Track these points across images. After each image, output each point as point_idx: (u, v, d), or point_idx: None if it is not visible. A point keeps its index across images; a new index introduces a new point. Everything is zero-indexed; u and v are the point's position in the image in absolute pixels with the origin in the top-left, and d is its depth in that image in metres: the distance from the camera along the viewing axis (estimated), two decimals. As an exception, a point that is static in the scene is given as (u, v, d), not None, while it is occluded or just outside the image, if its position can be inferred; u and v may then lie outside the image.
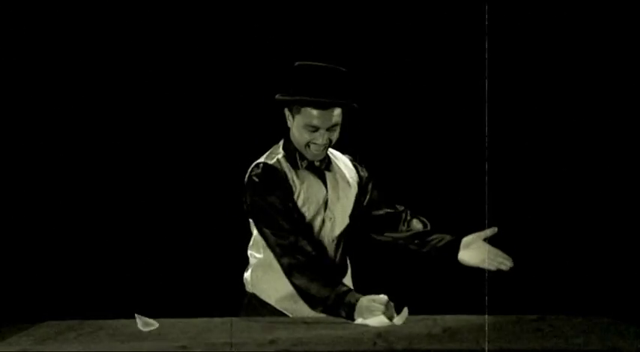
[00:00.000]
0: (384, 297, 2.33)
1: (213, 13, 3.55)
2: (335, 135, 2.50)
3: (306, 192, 2.52)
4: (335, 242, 2.58)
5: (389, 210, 2.69)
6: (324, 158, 2.59)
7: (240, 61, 3.53)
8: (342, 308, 2.32)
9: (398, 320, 2.27)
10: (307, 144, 2.49)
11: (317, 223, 2.54)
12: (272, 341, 1.97)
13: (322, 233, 2.55)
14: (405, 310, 2.30)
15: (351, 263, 2.67)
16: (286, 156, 2.55)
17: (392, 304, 2.33)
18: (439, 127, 3.66)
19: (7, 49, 3.48)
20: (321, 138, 2.47)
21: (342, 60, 2.57)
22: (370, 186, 2.69)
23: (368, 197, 2.68)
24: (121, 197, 3.59)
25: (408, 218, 2.67)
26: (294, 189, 2.50)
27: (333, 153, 2.67)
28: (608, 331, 2.12)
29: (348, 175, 2.64)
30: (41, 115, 3.54)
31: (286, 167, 2.53)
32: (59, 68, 3.53)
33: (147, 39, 3.54)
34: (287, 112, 2.53)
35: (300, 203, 2.51)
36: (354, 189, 2.64)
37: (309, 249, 2.41)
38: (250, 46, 3.55)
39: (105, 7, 3.51)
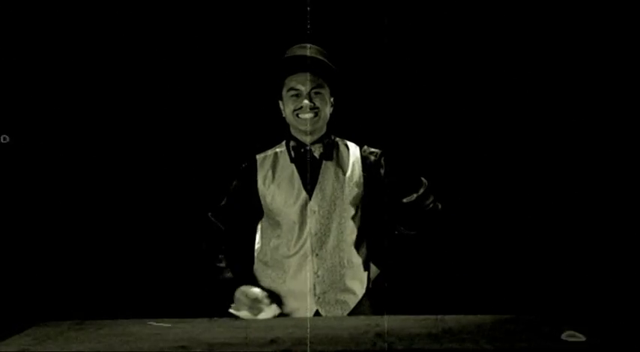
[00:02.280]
0: (254, 293, 2.43)
1: (224, 11, 3.55)
2: (321, 102, 2.53)
3: (279, 188, 2.56)
4: (324, 235, 2.55)
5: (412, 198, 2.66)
6: (327, 147, 2.58)
7: (240, 61, 3.53)
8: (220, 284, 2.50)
9: (263, 315, 2.36)
10: (296, 115, 2.54)
11: (294, 213, 2.54)
12: (272, 341, 1.97)
13: (304, 225, 2.54)
14: (274, 306, 2.38)
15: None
16: (285, 148, 2.60)
17: (266, 301, 2.41)
18: (440, 126, 3.66)
19: (7, 49, 3.49)
20: (304, 101, 2.51)
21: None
22: (387, 173, 2.64)
23: (387, 183, 2.64)
24: (122, 197, 3.58)
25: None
26: (263, 185, 2.57)
27: (347, 144, 2.65)
28: (608, 331, 2.12)
29: (352, 167, 2.60)
30: (40, 115, 3.54)
31: (272, 160, 2.58)
32: (58, 68, 3.52)
33: (146, 38, 3.54)
34: (280, 104, 2.60)
35: (266, 195, 2.57)
36: (358, 182, 2.59)
37: (225, 226, 2.61)
38: (253, 46, 3.55)
39: (104, 6, 3.51)
